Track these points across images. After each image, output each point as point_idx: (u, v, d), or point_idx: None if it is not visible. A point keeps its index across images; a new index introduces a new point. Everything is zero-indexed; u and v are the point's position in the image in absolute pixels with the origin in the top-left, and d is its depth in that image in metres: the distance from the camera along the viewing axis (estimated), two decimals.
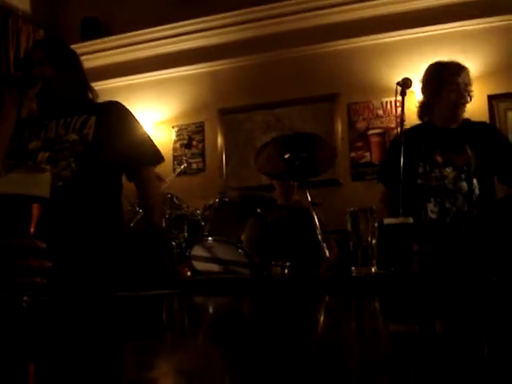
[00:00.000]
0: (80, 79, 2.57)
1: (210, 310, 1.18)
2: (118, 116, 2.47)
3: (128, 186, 2.58)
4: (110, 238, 2.37)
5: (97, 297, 1.39)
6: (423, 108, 3.02)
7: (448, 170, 2.82)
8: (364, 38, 5.25)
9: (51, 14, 6.26)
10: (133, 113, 2.56)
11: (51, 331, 0.73)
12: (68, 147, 2.33)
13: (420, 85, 3.04)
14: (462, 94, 2.88)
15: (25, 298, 0.85)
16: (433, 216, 2.82)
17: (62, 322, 0.86)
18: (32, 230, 0.87)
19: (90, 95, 2.60)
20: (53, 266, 0.90)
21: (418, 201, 2.83)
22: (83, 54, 6.06)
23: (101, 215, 2.36)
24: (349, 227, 2.05)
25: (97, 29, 6.04)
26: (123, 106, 2.55)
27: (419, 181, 2.86)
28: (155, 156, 2.58)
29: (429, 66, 3.01)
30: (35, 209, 0.88)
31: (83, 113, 2.43)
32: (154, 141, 2.62)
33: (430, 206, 2.82)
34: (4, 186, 0.85)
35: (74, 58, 2.60)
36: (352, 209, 2.06)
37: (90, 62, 5.91)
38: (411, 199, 2.72)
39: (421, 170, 2.87)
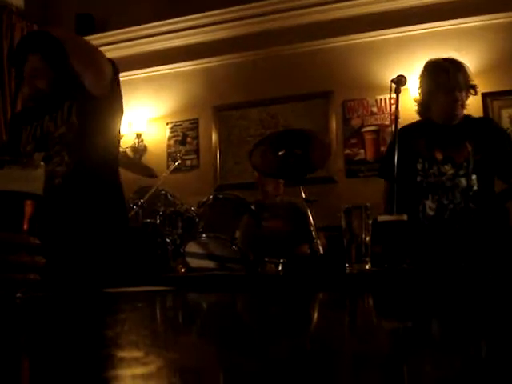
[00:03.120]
0: (69, 71, 2.49)
1: (204, 307, 1.18)
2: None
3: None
4: (113, 230, 2.34)
5: (90, 293, 1.38)
6: (421, 106, 3.00)
7: (447, 167, 2.82)
8: (359, 36, 5.25)
9: (45, 9, 6.24)
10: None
11: (44, 327, 0.73)
12: (58, 141, 2.30)
13: (417, 82, 3.03)
14: (458, 96, 2.85)
15: (18, 295, 0.84)
16: (431, 213, 2.81)
17: (56, 318, 0.86)
18: (25, 226, 0.87)
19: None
20: (50, 262, 0.90)
21: (417, 197, 2.82)
22: None
23: (103, 207, 2.32)
24: (343, 224, 2.06)
25: (91, 25, 6.02)
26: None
27: (418, 178, 2.84)
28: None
29: (425, 65, 2.99)
30: (28, 205, 0.87)
31: (68, 99, 2.35)
32: None
33: (428, 203, 2.82)
34: None
35: (62, 49, 2.42)
36: (346, 206, 2.06)
37: None
38: (410, 196, 2.71)
39: (419, 166, 2.85)
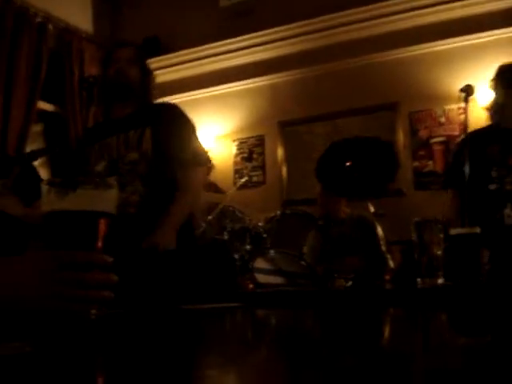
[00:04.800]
0: (152, 89, 2.62)
1: (273, 323, 1.17)
2: (171, 124, 2.46)
3: None
4: (183, 250, 2.37)
5: (163, 310, 1.40)
6: (493, 111, 2.89)
7: None
8: (425, 45, 5.16)
9: (113, 33, 6.44)
10: (185, 115, 2.55)
11: (120, 344, 0.74)
12: (131, 169, 2.36)
13: (491, 86, 2.93)
14: None
15: (93, 312, 0.86)
16: (510, 222, 2.70)
17: (131, 334, 0.87)
18: (99, 244, 0.89)
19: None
20: (123, 280, 0.92)
21: (493, 206, 2.71)
22: None
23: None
24: (414, 238, 2.02)
25: (157, 46, 6.16)
26: (175, 111, 2.55)
27: (493, 186, 2.73)
28: (195, 159, 2.49)
29: (498, 69, 2.89)
30: (102, 224, 0.89)
31: (139, 124, 2.44)
32: (199, 145, 2.57)
33: (507, 212, 2.71)
34: (72, 202, 0.87)
35: (148, 67, 2.66)
36: (417, 219, 2.02)
37: None
38: (485, 204, 2.62)
39: (494, 174, 2.74)
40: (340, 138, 5.02)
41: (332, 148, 3.25)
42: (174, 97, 5.55)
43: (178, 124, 2.49)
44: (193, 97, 5.97)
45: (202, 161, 2.52)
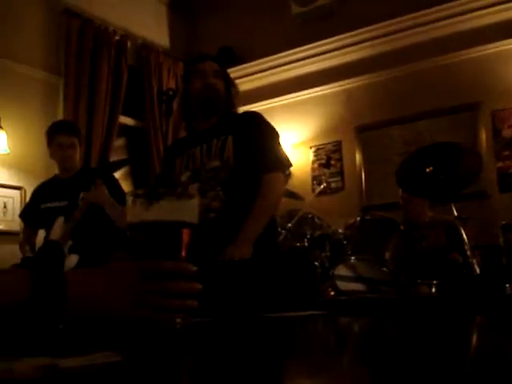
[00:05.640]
0: (235, 100, 2.67)
1: (357, 331, 1.16)
2: (253, 131, 2.49)
3: None
4: (265, 258, 2.37)
5: (246, 318, 1.41)
6: None
7: None
8: (507, 41, 4.98)
9: (189, 47, 6.58)
10: (267, 121, 2.56)
11: (205, 352, 0.75)
12: (212, 176, 2.41)
13: None
14: None
15: (178, 320, 0.88)
16: None
17: (216, 343, 0.88)
18: (183, 254, 0.91)
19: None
20: (206, 288, 0.93)
21: None
22: None
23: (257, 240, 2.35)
24: (501, 242, 1.95)
25: (232, 57, 6.24)
26: (258, 118, 2.57)
27: None
28: (277, 164, 2.47)
29: None
30: (185, 234, 0.91)
31: (222, 133, 2.49)
32: (281, 151, 2.54)
33: None
34: (156, 213, 0.90)
35: (231, 79, 2.72)
36: (504, 222, 1.96)
37: None
38: None
39: None
40: (421, 145, 4.94)
41: (415, 155, 3.18)
42: (250, 106, 5.59)
43: (260, 130, 2.51)
44: (268, 105, 6.00)
45: (283, 166, 2.52)
